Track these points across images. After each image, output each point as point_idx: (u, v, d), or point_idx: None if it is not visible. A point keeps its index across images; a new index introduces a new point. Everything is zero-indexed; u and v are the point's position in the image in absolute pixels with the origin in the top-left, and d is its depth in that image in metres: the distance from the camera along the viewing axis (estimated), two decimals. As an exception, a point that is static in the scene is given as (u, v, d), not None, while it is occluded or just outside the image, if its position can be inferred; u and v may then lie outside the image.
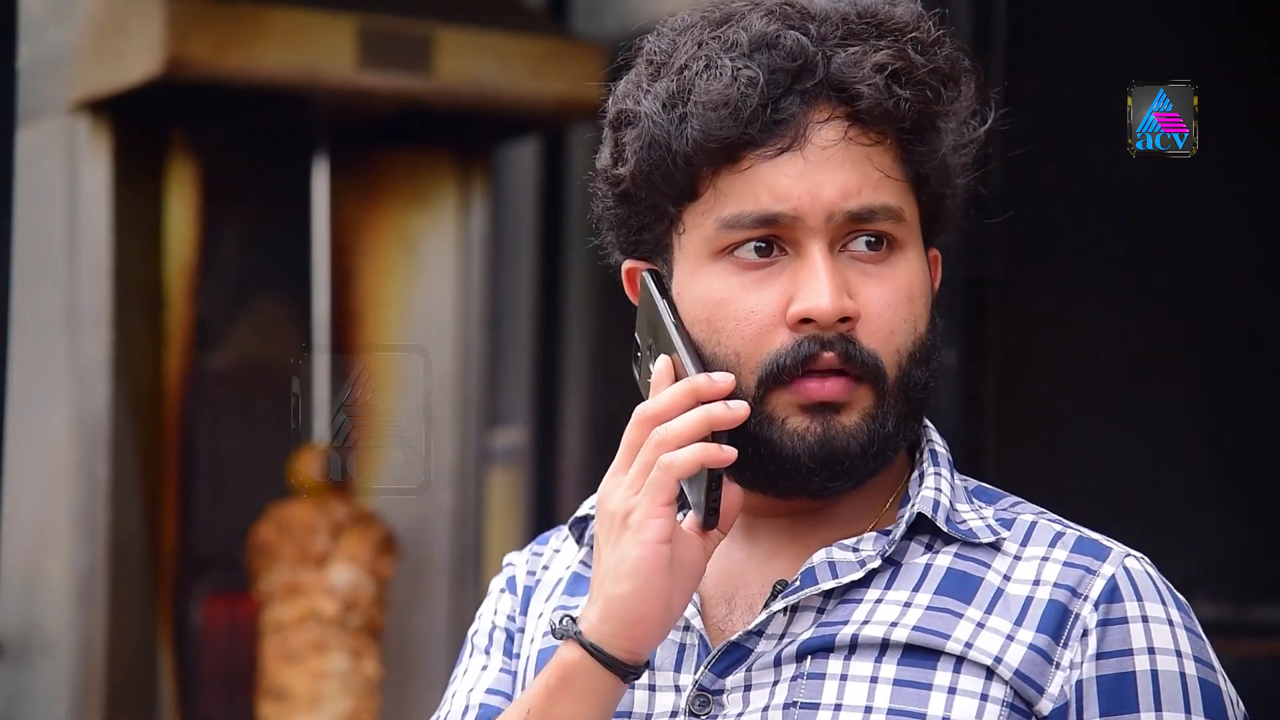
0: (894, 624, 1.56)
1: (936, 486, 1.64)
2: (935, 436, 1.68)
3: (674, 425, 1.56)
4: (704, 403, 1.57)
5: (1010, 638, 1.56)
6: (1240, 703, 1.63)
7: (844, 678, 1.55)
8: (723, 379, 1.58)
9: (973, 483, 1.69)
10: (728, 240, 1.60)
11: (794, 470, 1.60)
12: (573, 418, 5.20)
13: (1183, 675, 1.57)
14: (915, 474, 1.66)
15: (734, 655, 1.60)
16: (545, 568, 1.77)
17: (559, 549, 1.78)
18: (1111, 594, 1.58)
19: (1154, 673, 1.57)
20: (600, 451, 4.90)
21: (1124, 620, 1.57)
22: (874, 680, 1.54)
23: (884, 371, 1.59)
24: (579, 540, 1.74)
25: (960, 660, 1.55)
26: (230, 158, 4.73)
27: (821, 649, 1.56)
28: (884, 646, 1.55)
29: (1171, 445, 3.39)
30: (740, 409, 1.56)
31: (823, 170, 1.59)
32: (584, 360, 5.21)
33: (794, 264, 1.59)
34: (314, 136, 4.75)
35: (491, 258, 4.88)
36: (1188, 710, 1.56)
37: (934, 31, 1.62)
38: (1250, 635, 3.34)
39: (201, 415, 4.63)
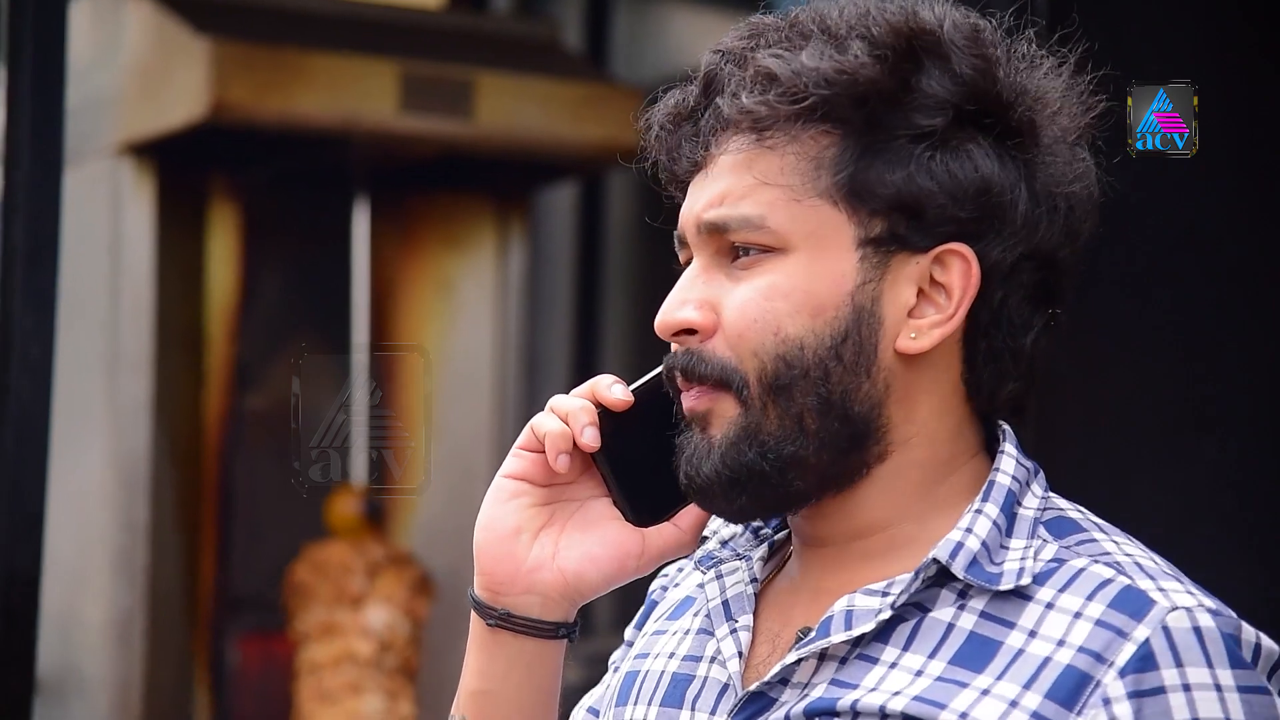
0: (896, 693, 1.47)
1: (969, 527, 1.51)
2: (1005, 464, 1.55)
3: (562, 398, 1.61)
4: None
5: (1014, 704, 1.44)
6: None
7: None
8: (619, 389, 1.59)
9: (1058, 510, 1.56)
10: (680, 261, 1.61)
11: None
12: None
13: None
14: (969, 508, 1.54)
15: (757, 704, 1.53)
16: (676, 585, 1.73)
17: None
18: (1144, 661, 1.43)
19: None
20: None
21: (1161, 690, 1.43)
22: None
23: (738, 376, 1.52)
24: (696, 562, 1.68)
25: None
26: (271, 201, 4.76)
27: (825, 712, 1.49)
28: (882, 715, 1.46)
29: (1203, 497, 3.38)
30: (620, 393, 1.58)
31: (709, 184, 1.55)
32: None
33: None
34: (354, 180, 4.78)
35: (529, 301, 4.90)
36: None
37: (878, 32, 1.51)
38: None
39: (240, 456, 4.65)
